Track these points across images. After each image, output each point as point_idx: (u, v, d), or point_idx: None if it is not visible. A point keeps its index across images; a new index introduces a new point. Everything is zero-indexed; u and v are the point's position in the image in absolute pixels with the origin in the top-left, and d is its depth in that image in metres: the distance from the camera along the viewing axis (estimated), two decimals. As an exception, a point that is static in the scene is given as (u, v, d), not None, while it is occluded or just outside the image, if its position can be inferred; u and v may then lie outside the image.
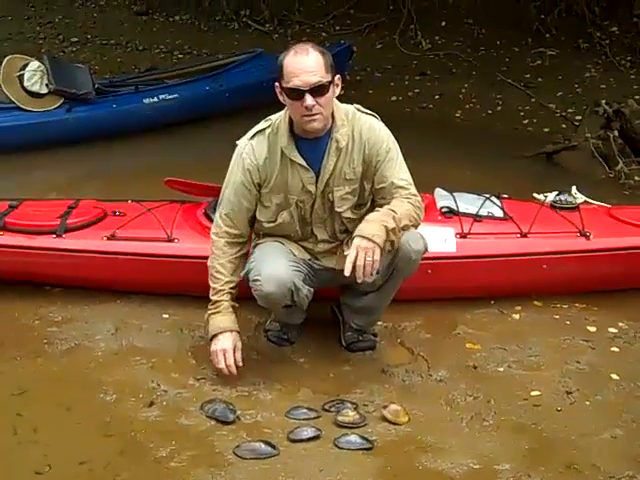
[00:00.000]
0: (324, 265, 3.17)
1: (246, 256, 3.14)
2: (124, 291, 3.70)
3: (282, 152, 2.99)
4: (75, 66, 6.83)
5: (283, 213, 3.08)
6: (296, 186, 3.02)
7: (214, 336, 3.06)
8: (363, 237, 2.79)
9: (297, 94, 2.84)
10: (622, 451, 2.71)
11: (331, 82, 2.88)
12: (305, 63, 2.83)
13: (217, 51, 9.00)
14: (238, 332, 3.08)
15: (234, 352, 3.04)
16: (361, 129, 3.01)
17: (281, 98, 2.93)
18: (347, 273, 2.78)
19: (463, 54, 8.73)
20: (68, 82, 6.32)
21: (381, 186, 3.02)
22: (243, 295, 3.26)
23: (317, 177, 3.01)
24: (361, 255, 2.77)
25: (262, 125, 3.07)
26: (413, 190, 3.03)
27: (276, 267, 2.98)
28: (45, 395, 3.00)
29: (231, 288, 3.09)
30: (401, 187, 3.00)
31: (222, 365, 3.02)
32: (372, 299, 3.17)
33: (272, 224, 3.11)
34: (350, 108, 3.05)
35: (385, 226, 2.82)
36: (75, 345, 3.34)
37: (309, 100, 2.83)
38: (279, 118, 3.02)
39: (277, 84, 2.91)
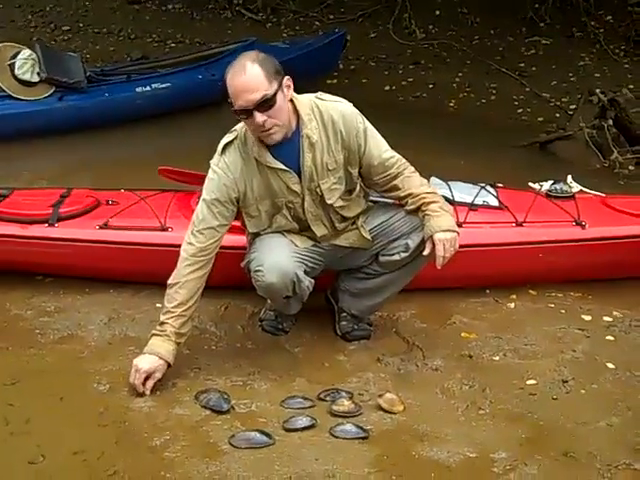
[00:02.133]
0: (331, 243, 3.13)
1: (207, 277, 3.01)
2: (117, 281, 3.67)
3: (257, 160, 2.94)
4: (67, 55, 6.78)
5: (277, 217, 3.04)
6: (281, 189, 2.97)
7: (144, 353, 2.96)
8: (444, 230, 2.94)
9: (246, 114, 2.80)
10: (618, 439, 2.71)
11: (277, 90, 2.78)
12: (244, 82, 2.75)
13: (210, 40, 8.97)
14: (167, 362, 2.94)
15: (146, 376, 2.90)
16: (331, 118, 2.95)
17: (236, 118, 2.89)
18: (439, 266, 2.97)
19: (457, 43, 8.72)
20: (60, 71, 6.28)
21: (373, 165, 3.02)
22: (238, 284, 3.25)
23: (299, 176, 2.97)
24: (447, 247, 2.94)
25: (229, 137, 3.00)
26: (397, 155, 3.07)
27: (279, 258, 2.96)
28: (38, 385, 2.98)
29: (183, 311, 2.96)
30: (393, 158, 3.05)
31: (131, 380, 2.91)
32: (382, 281, 3.17)
33: (269, 230, 3.07)
34: (313, 100, 2.99)
35: (451, 214, 3.03)
36: (68, 335, 3.32)
37: (259, 118, 2.78)
38: (243, 127, 2.95)
39: (229, 102, 2.84)
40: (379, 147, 3.03)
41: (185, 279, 2.97)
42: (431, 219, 2.96)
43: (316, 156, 2.95)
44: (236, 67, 2.79)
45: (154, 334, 2.98)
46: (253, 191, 2.98)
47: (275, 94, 2.78)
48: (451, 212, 3.05)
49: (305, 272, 3.04)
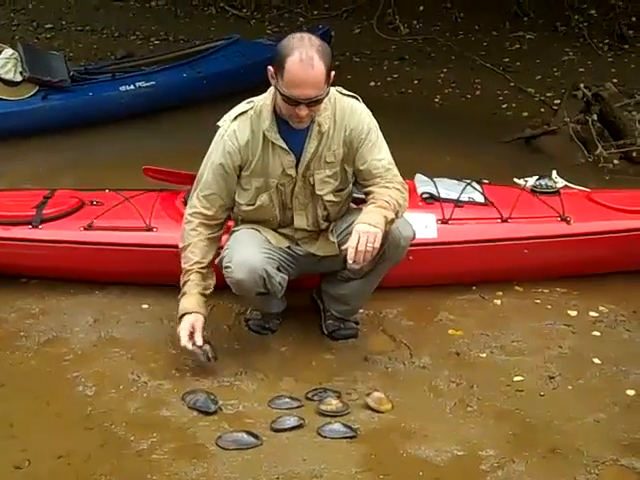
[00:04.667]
0: (306, 250, 3.14)
1: (219, 240, 3.12)
2: (102, 282, 3.65)
3: (264, 135, 2.96)
4: (50, 53, 6.71)
5: (262, 196, 3.04)
6: (276, 169, 2.99)
7: (179, 319, 3.03)
8: (365, 223, 2.78)
9: (293, 102, 2.79)
10: (605, 435, 2.72)
11: (328, 90, 2.85)
12: (308, 78, 2.73)
13: (194, 37, 8.91)
14: (199, 313, 3.01)
15: (191, 333, 2.98)
16: (342, 112, 2.98)
17: (272, 82, 2.86)
18: (350, 259, 2.75)
19: (442, 38, 8.70)
20: (43, 70, 6.21)
21: (362, 168, 3.00)
22: (222, 284, 3.23)
23: (298, 160, 2.98)
24: (363, 240, 2.74)
25: (244, 107, 3.02)
26: (395, 171, 3.02)
27: (248, 254, 2.96)
28: (23, 389, 2.96)
29: (201, 268, 3.04)
30: (382, 169, 2.99)
31: (182, 344, 2.99)
32: (355, 286, 3.15)
33: (251, 207, 3.07)
34: (332, 91, 3.01)
35: (385, 216, 2.83)
36: (53, 337, 3.29)
37: (304, 111, 2.81)
38: (262, 100, 2.97)
39: (270, 69, 2.83)
40: (375, 155, 2.99)
41: (196, 239, 3.05)
42: (362, 214, 2.87)
43: (320, 145, 2.97)
44: (304, 56, 2.72)
45: (179, 297, 3.04)
46: (251, 165, 2.99)
47: (327, 94, 2.84)
48: (389, 219, 2.85)
49: (279, 269, 3.04)
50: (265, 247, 3.04)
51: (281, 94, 2.80)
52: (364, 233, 2.76)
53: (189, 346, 2.98)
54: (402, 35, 8.95)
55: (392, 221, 2.88)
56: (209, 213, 3.06)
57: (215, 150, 3.03)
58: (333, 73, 2.86)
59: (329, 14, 9.64)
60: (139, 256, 3.53)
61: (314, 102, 2.80)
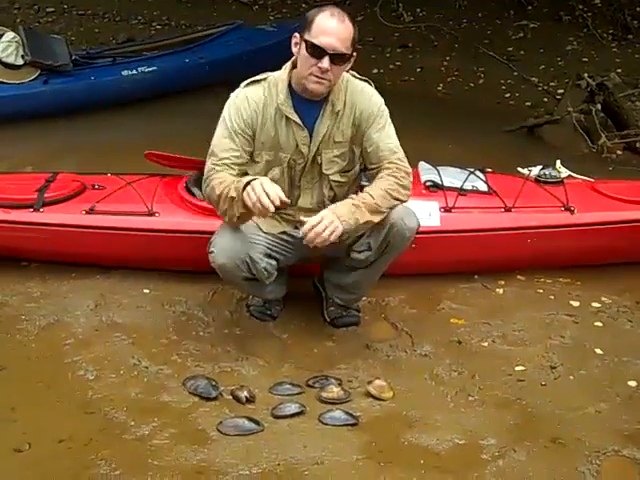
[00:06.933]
0: None
1: None
2: (104, 266, 3.64)
3: (277, 108, 2.95)
4: (51, 37, 6.69)
5: (275, 169, 3.02)
6: (290, 145, 2.99)
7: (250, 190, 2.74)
8: (334, 213, 2.80)
9: (318, 53, 2.82)
10: (607, 425, 2.71)
11: (351, 57, 2.90)
12: (339, 29, 2.83)
13: (196, 23, 8.88)
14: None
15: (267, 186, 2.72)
16: (354, 93, 3.00)
17: (295, 49, 2.90)
18: (302, 233, 2.78)
19: (445, 26, 8.67)
20: (44, 53, 6.19)
21: (369, 150, 3.01)
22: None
23: (310, 138, 2.99)
24: (322, 224, 2.75)
25: (260, 77, 3.02)
26: (400, 155, 3.01)
27: (230, 239, 2.95)
28: (24, 372, 2.95)
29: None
30: (389, 151, 2.99)
31: (264, 200, 2.69)
32: (359, 275, 3.13)
33: None
34: (345, 73, 3.02)
35: (357, 218, 2.82)
36: (54, 321, 3.28)
37: (326, 63, 2.83)
38: (278, 75, 2.98)
39: (297, 35, 2.88)
40: (381, 138, 3.00)
41: (225, 177, 2.88)
42: (337, 203, 2.88)
43: (331, 125, 2.98)
44: (335, 12, 2.85)
45: (243, 187, 2.75)
46: (262, 135, 2.98)
47: (349, 58, 2.89)
48: (359, 218, 2.82)
49: (267, 255, 3.02)
50: (252, 233, 3.02)
51: (307, 47, 2.83)
52: (329, 222, 2.76)
53: (275, 198, 2.70)
54: (405, 23, 8.92)
55: (366, 222, 2.86)
56: (231, 166, 2.94)
57: (226, 115, 3.00)
58: (355, 54, 2.90)
59: (332, 1, 9.56)
60: (141, 241, 3.52)
61: (337, 59, 2.83)
